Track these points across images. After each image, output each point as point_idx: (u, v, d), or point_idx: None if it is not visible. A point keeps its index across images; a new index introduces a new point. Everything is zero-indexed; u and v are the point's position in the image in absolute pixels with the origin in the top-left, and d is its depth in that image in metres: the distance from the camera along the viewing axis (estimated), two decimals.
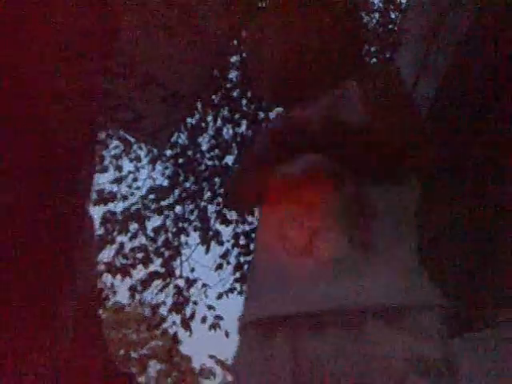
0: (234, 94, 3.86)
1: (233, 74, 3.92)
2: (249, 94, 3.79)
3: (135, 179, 4.15)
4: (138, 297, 3.99)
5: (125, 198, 4.03)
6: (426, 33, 2.52)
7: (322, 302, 0.72)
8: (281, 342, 0.76)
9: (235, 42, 3.69)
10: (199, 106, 3.86)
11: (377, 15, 3.75)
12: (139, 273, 3.89)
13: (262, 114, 3.81)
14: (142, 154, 4.16)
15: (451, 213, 2.60)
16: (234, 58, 3.88)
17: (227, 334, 3.85)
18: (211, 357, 11.11)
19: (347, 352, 0.70)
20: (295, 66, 0.91)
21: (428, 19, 2.59)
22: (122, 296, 4.94)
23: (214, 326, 3.85)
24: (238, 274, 3.84)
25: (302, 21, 0.93)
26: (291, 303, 0.75)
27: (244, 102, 3.81)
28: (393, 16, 3.82)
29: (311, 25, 0.92)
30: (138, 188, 4.11)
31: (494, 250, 2.17)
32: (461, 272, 2.42)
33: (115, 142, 3.95)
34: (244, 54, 3.56)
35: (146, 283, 3.85)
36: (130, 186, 4.09)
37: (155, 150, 4.04)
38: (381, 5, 3.83)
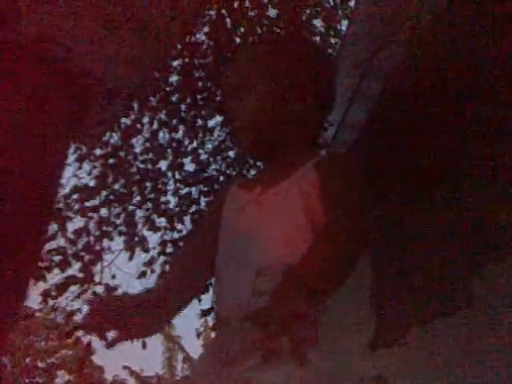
0: (174, 98, 3.79)
1: (173, 78, 3.85)
2: (188, 100, 3.74)
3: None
4: (51, 302, 3.77)
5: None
6: (362, 59, 2.62)
7: None
8: None
9: (179, 46, 3.64)
10: (136, 106, 3.74)
11: (318, 38, 3.88)
12: (55, 277, 3.68)
13: (200, 122, 3.77)
14: (69, 150, 3.96)
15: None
16: (176, 62, 3.82)
17: (144, 345, 3.74)
18: (125, 367, 10.71)
19: None
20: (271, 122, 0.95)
21: (365, 47, 2.70)
22: (33, 301, 4.62)
23: None
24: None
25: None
26: None
27: (183, 107, 3.75)
28: (332, 41, 3.97)
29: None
30: (60, 185, 3.90)
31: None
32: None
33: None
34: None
35: (61, 288, 3.63)
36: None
37: (84, 148, 3.85)
38: (322, 30, 3.97)
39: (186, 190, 3.80)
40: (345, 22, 3.90)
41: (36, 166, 2.00)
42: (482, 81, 1.84)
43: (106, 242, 3.90)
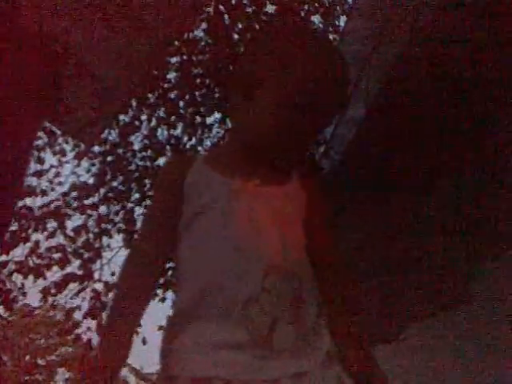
0: (172, 95, 3.78)
1: (172, 75, 3.85)
2: (187, 97, 3.73)
3: (57, 174, 3.96)
4: (50, 300, 3.77)
5: (44, 193, 3.80)
6: (360, 56, 2.62)
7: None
8: None
9: (177, 42, 3.63)
10: (134, 103, 3.73)
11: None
12: (54, 274, 3.68)
13: (199, 119, 3.76)
14: (68, 147, 3.97)
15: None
16: (174, 59, 3.81)
17: (144, 342, 3.74)
18: (125, 365, 10.72)
19: None
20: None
21: (362, 44, 2.70)
22: (33, 298, 4.62)
23: None
24: (161, 280, 3.73)
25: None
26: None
27: (181, 103, 3.74)
28: (331, 38, 3.96)
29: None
30: (59, 183, 3.91)
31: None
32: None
33: (39, 133, 3.71)
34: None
35: (60, 285, 3.64)
36: (51, 181, 3.89)
37: (82, 145, 3.84)
38: (320, 26, 3.96)
39: None
40: (343, 18, 3.89)
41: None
42: (482, 78, 1.84)
43: (105, 240, 3.90)
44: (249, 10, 3.75)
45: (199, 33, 3.72)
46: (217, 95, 3.66)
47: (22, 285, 3.69)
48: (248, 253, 0.81)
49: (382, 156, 2.53)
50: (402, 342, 2.14)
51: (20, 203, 3.58)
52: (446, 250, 2.02)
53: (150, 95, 3.77)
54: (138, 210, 3.83)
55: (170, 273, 3.70)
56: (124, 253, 3.83)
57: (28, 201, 3.68)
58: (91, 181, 3.87)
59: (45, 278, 3.64)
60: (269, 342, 0.77)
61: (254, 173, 0.86)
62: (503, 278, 1.82)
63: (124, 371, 11.00)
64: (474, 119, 1.94)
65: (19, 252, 3.62)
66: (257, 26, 3.53)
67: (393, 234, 2.43)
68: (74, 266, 3.76)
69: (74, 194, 3.80)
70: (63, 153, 3.96)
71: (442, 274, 2.00)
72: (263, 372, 0.75)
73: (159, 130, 3.84)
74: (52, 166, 3.94)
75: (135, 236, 3.72)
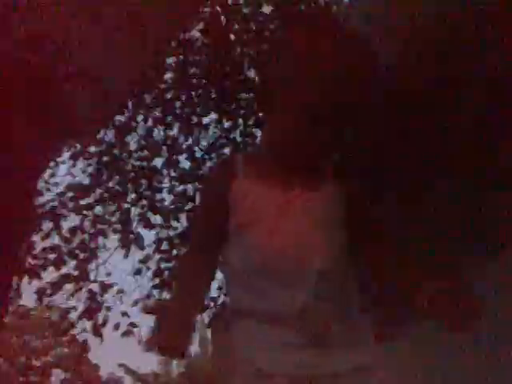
0: (168, 95, 3.78)
1: (168, 75, 3.84)
2: (183, 97, 3.73)
3: (53, 174, 3.95)
4: (46, 301, 3.75)
5: (39, 193, 3.78)
6: None
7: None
8: None
9: (173, 43, 3.63)
10: (130, 103, 3.72)
11: None
12: (50, 275, 3.67)
13: (195, 119, 3.76)
14: (63, 147, 3.94)
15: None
16: (170, 60, 3.81)
17: (140, 342, 3.73)
18: (121, 365, 10.70)
19: None
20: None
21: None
22: (28, 299, 4.60)
23: (127, 334, 3.73)
24: (157, 281, 3.72)
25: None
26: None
27: (178, 104, 3.74)
28: None
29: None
30: (55, 184, 3.90)
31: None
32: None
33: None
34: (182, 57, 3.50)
35: (56, 286, 3.62)
36: (46, 182, 3.87)
37: (78, 145, 3.83)
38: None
39: (181, 187, 3.79)
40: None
41: None
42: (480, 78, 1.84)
43: (101, 240, 3.89)
44: (245, 10, 3.75)
45: (196, 33, 3.72)
46: (213, 95, 3.66)
47: (18, 286, 3.67)
48: (298, 262, 0.85)
49: (375, 150, 2.53)
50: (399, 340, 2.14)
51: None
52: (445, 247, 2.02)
53: (146, 95, 3.76)
54: (134, 211, 3.83)
55: (166, 273, 3.70)
56: (120, 253, 3.82)
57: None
58: (87, 181, 3.86)
59: (40, 279, 3.63)
60: (325, 342, 0.83)
61: (291, 182, 0.89)
62: (503, 278, 1.82)
63: (120, 372, 10.98)
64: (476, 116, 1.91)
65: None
66: (253, 27, 3.54)
67: None
68: (70, 267, 3.75)
69: (70, 194, 3.79)
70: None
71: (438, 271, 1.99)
72: (322, 368, 0.82)
73: (155, 131, 3.84)
74: (47, 167, 3.91)
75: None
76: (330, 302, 0.85)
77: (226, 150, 3.83)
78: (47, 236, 3.72)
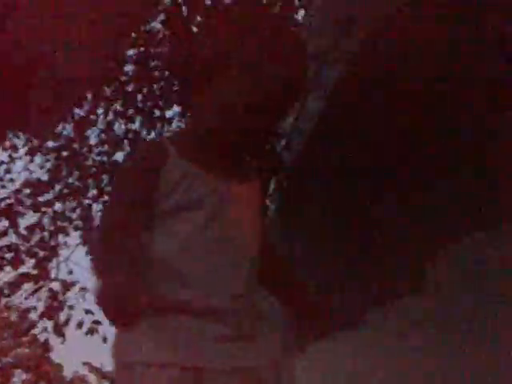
0: (129, 88, 3.69)
1: (129, 68, 3.75)
2: (145, 90, 3.65)
3: (8, 171, 3.81)
4: (4, 301, 3.64)
5: None
6: (320, 50, 2.63)
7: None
8: None
9: (134, 34, 3.54)
10: (89, 96, 3.61)
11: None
12: (7, 275, 3.55)
13: (157, 112, 3.70)
14: (20, 143, 3.82)
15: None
16: (131, 51, 3.72)
17: (105, 340, 3.69)
18: (85, 364, 10.51)
19: None
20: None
21: (322, 38, 2.71)
22: None
23: (91, 332, 3.66)
24: None
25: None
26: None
27: (139, 97, 3.66)
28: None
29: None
30: (11, 180, 3.76)
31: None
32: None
33: None
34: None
35: (14, 286, 3.52)
36: (1, 178, 3.73)
37: (35, 140, 3.70)
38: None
39: None
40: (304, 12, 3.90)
41: None
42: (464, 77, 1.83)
43: (61, 238, 3.80)
44: (207, 1, 3.70)
45: (157, 24, 3.64)
46: (176, 88, 3.60)
47: None
48: (235, 250, 0.85)
49: (342, 147, 2.55)
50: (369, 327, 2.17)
51: None
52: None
53: (106, 88, 3.66)
54: (96, 207, 3.74)
55: None
56: (82, 250, 3.74)
57: None
58: (45, 177, 3.74)
59: None
60: (251, 335, 0.84)
61: (226, 168, 0.88)
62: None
63: (84, 370, 10.79)
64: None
65: None
66: (215, 19, 3.49)
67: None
68: (29, 266, 3.65)
69: (27, 190, 3.67)
70: (14, 148, 3.81)
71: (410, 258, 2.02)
72: (245, 361, 0.82)
73: (116, 124, 3.75)
74: (2, 162, 3.79)
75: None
76: (256, 292, 0.88)
77: None
78: (4, 234, 3.60)
